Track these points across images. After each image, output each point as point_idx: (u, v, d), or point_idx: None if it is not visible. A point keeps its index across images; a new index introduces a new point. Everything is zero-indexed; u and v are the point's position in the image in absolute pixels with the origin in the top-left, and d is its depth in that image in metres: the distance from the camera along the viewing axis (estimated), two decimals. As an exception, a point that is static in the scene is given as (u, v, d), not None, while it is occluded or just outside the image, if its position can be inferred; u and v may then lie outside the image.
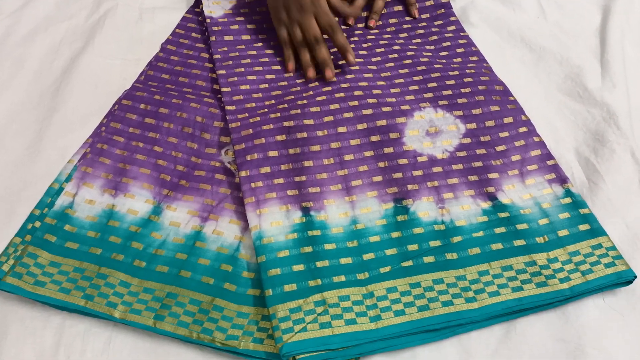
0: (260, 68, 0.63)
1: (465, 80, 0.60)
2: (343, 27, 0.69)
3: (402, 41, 0.66)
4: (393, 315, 0.44)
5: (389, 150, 0.55)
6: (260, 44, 0.66)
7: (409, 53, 0.64)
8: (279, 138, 0.55)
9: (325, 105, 0.57)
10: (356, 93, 0.58)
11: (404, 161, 0.54)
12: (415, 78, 0.61)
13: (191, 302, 0.45)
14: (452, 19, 0.69)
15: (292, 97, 0.59)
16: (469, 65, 0.62)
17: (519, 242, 0.48)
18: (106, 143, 0.56)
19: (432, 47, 0.66)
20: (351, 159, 0.54)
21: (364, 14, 0.71)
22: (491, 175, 0.53)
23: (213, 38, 0.65)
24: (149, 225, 0.50)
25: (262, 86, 0.61)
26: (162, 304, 0.45)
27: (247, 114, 0.57)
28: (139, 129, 0.57)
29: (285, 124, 0.55)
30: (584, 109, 0.60)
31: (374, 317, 0.44)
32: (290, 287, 0.45)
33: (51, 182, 0.53)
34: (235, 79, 0.61)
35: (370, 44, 0.66)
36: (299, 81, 0.62)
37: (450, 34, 0.67)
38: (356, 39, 0.67)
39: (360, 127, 0.56)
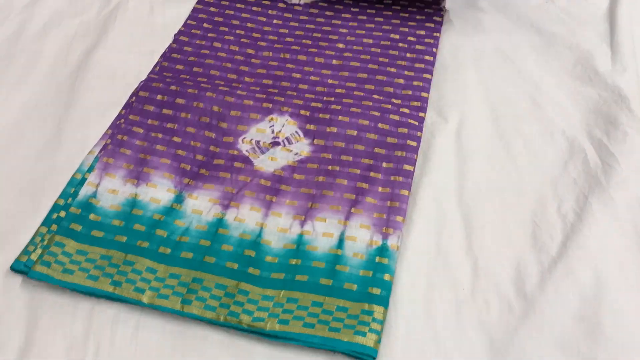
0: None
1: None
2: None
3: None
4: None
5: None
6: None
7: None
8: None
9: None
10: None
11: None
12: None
13: (217, 287, 0.46)
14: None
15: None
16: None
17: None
18: (126, 134, 0.56)
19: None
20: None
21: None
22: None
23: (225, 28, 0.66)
24: (172, 213, 0.51)
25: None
26: (189, 289, 0.46)
27: None
28: (157, 120, 0.58)
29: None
30: (595, 92, 0.61)
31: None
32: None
33: (73, 173, 0.54)
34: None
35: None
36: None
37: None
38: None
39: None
